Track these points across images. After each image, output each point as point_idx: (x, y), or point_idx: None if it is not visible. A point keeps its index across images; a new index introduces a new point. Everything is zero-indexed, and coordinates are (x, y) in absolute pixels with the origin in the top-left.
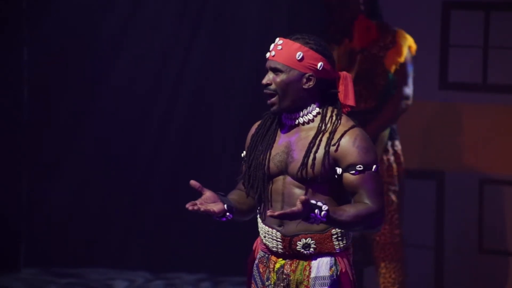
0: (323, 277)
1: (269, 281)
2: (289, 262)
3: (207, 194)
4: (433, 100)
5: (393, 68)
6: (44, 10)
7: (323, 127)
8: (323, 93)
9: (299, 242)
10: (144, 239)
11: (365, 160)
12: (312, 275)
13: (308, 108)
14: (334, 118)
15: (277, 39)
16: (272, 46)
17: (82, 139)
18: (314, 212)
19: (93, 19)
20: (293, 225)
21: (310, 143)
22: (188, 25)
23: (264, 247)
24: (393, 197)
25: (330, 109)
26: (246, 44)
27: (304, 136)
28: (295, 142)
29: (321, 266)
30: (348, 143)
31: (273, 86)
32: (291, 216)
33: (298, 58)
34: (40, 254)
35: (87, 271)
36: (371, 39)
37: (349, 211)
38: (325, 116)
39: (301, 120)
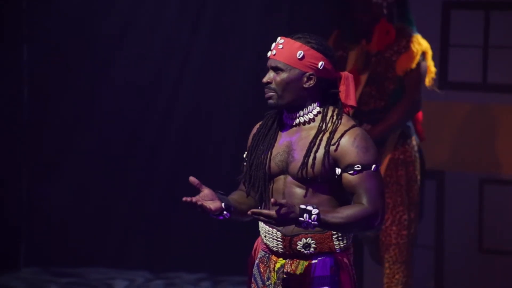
0: (324, 277)
1: (270, 281)
2: (289, 262)
3: (205, 191)
4: (433, 100)
5: (403, 74)
6: (44, 10)
7: (324, 127)
8: (324, 92)
9: (299, 242)
10: (144, 238)
11: (364, 159)
12: (313, 275)
13: (309, 107)
14: (334, 117)
15: (279, 38)
16: (273, 45)
17: (82, 139)
18: (302, 217)
19: (93, 19)
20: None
21: (310, 143)
22: (188, 25)
23: (265, 246)
24: (403, 197)
25: (331, 108)
26: (246, 44)
27: (305, 135)
28: (296, 142)
29: (322, 266)
30: (348, 143)
31: (273, 85)
32: (267, 217)
33: (299, 57)
34: (40, 254)
35: (87, 270)
36: (388, 43)
37: (342, 212)
38: (326, 115)
39: (301, 119)
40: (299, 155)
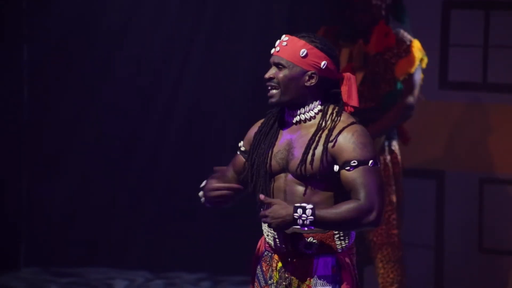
0: (325, 277)
1: (272, 280)
2: (291, 261)
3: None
4: (433, 100)
5: (402, 77)
6: (44, 10)
7: (323, 124)
8: (326, 92)
9: (301, 241)
10: (144, 238)
11: (361, 155)
12: (314, 274)
13: (310, 105)
14: (334, 115)
15: (283, 35)
16: (277, 42)
17: (82, 139)
18: (296, 212)
19: (93, 18)
20: None
21: (309, 140)
22: (188, 25)
23: (268, 246)
24: (390, 197)
25: (331, 107)
26: (246, 44)
27: (305, 133)
28: (296, 140)
29: (323, 266)
30: (345, 139)
31: (275, 81)
32: (263, 218)
33: (302, 55)
34: (40, 254)
35: (87, 270)
36: (388, 45)
37: (337, 208)
38: (326, 113)
39: (302, 117)
40: (298, 153)
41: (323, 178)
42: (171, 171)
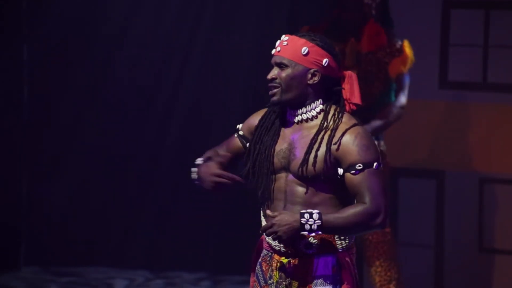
0: (325, 276)
1: (272, 280)
2: (291, 261)
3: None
4: (433, 99)
5: (395, 76)
6: (44, 10)
7: (325, 125)
8: (327, 90)
9: (302, 241)
10: (144, 238)
11: (365, 158)
12: (314, 274)
13: (312, 104)
14: (336, 115)
15: (283, 35)
16: (277, 42)
17: (82, 139)
18: (304, 217)
19: (93, 19)
20: None
21: (312, 140)
22: (188, 25)
23: (267, 245)
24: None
25: (333, 107)
26: (246, 44)
27: (307, 134)
28: (298, 140)
29: (324, 265)
30: (349, 142)
31: (278, 81)
32: (266, 230)
33: (304, 53)
34: (40, 253)
35: (87, 270)
36: (380, 44)
37: (343, 213)
38: (328, 113)
39: (304, 116)
40: (300, 153)
41: (325, 179)
42: (171, 171)
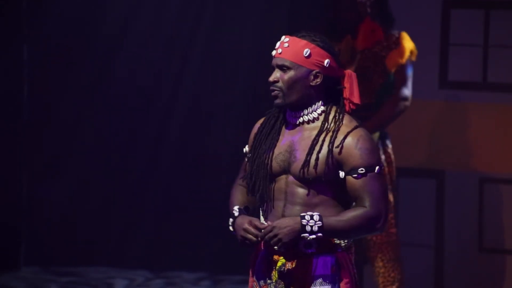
0: (325, 276)
1: (271, 279)
2: (290, 261)
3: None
4: (433, 99)
5: (394, 69)
6: (44, 10)
7: (326, 126)
8: (328, 90)
9: (301, 240)
10: (144, 238)
11: (367, 162)
12: (313, 273)
13: (313, 106)
14: (337, 117)
15: (283, 37)
16: (278, 43)
17: (82, 139)
18: (304, 219)
19: (93, 19)
20: None
21: (313, 141)
22: (188, 24)
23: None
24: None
25: (334, 108)
26: (246, 44)
27: (307, 135)
28: (298, 142)
29: (323, 265)
30: (351, 145)
31: (280, 84)
32: (269, 233)
33: (306, 55)
34: (40, 253)
35: (87, 269)
36: (376, 41)
37: (344, 216)
38: (329, 114)
39: (305, 118)
40: (301, 155)
41: (326, 181)
42: (171, 171)
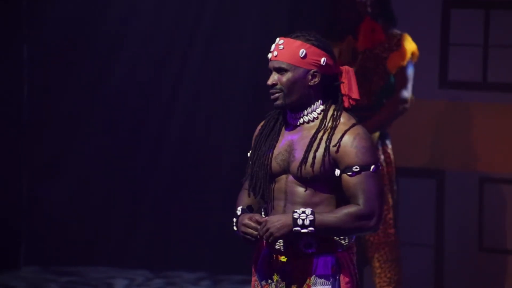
0: (325, 276)
1: (272, 280)
2: (291, 261)
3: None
4: (433, 99)
5: (394, 71)
6: (44, 9)
7: (324, 124)
8: (326, 88)
9: (301, 240)
10: (144, 237)
11: (363, 160)
12: (314, 273)
13: (313, 106)
14: (335, 115)
15: (278, 39)
16: (273, 46)
17: (82, 139)
18: (296, 212)
19: (93, 18)
20: None
21: (311, 140)
22: (188, 24)
23: (267, 245)
24: (386, 197)
25: (332, 106)
26: (246, 45)
27: (306, 135)
28: (298, 141)
29: (323, 265)
30: (347, 143)
31: (279, 86)
32: (262, 229)
33: (302, 56)
34: (40, 253)
35: (87, 269)
36: (377, 40)
37: (336, 212)
38: (327, 113)
39: (306, 118)
40: (299, 155)
41: (324, 179)
42: (171, 171)
